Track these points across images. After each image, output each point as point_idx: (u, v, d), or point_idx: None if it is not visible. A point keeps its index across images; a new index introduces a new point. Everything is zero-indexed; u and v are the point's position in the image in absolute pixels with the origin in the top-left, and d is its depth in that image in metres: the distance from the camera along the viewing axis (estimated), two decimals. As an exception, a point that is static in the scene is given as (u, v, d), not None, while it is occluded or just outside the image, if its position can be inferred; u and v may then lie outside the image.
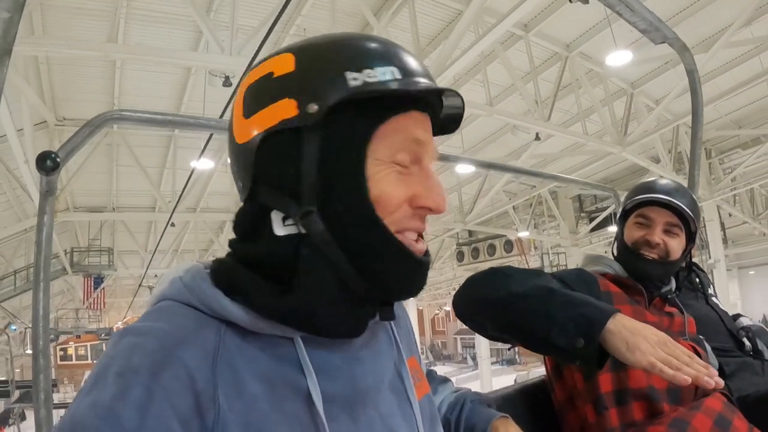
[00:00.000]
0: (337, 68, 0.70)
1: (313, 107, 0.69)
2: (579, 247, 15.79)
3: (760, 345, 2.06)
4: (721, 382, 1.12)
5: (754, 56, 8.73)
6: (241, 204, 0.78)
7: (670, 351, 1.18)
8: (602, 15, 7.83)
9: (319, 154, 0.71)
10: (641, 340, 1.19)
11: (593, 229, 15.76)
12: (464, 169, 12.55)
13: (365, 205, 0.72)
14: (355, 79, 0.69)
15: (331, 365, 0.74)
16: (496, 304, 1.44)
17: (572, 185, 15.12)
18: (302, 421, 0.69)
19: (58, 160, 1.53)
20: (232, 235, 0.80)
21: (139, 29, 7.64)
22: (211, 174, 12.07)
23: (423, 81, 0.74)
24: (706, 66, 7.64)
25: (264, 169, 0.73)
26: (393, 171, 0.74)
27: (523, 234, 15.84)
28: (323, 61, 0.72)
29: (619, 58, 7.90)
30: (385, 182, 0.73)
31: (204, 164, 10.00)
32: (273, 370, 0.69)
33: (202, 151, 8.60)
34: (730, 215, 14.88)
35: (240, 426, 0.63)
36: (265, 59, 0.78)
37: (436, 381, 1.21)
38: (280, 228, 0.73)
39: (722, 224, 15.48)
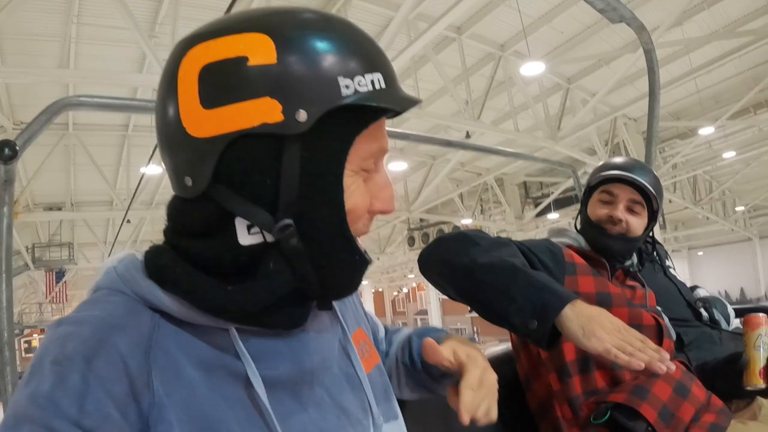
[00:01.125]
0: (328, 72, 0.65)
1: (302, 115, 0.64)
2: (524, 232, 15.96)
3: (717, 315, 2.12)
4: (673, 367, 1.15)
5: (684, 55, 9.08)
6: (182, 196, 0.71)
7: (625, 337, 1.19)
8: (538, 14, 8.15)
9: (299, 165, 0.66)
10: (597, 327, 1.20)
11: (539, 214, 16.02)
12: (398, 166, 12.79)
13: (342, 221, 0.70)
14: (347, 87, 0.65)
15: (271, 351, 0.73)
16: (459, 271, 1.43)
17: (520, 171, 15.43)
18: (245, 405, 0.68)
19: (17, 147, 1.53)
20: None
21: (89, 50, 7.74)
22: (164, 172, 12.06)
23: (402, 90, 0.73)
24: (637, 63, 7.94)
25: (231, 173, 0.66)
26: (361, 180, 0.72)
27: (467, 221, 15.96)
28: (312, 60, 0.65)
29: (532, 68, 8.22)
30: (357, 194, 0.71)
31: (153, 170, 10.18)
32: (211, 357, 0.68)
33: (151, 157, 8.68)
34: (670, 201, 15.34)
35: (179, 410, 0.63)
36: (222, 29, 0.67)
37: (391, 333, 1.17)
38: (245, 237, 0.68)
39: (661, 210, 16.03)
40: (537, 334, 1.27)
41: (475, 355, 0.91)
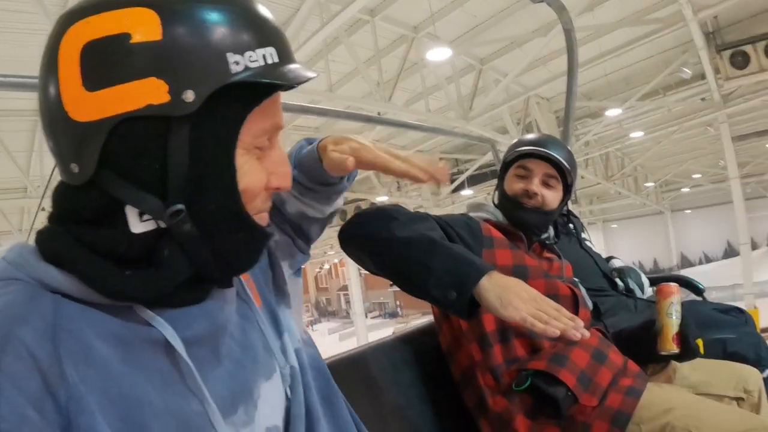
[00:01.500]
0: (217, 48, 0.62)
1: (190, 95, 0.61)
2: (441, 208, 16.08)
3: (632, 284, 2.23)
4: (587, 334, 1.20)
5: (595, 39, 9.13)
6: (68, 182, 0.67)
7: (540, 306, 1.23)
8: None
9: (188, 147, 0.64)
10: (513, 297, 1.24)
11: (454, 191, 16.14)
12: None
13: (236, 202, 0.68)
14: (236, 63, 0.63)
15: (183, 312, 0.70)
16: (379, 245, 1.45)
17: (435, 148, 15.37)
18: (163, 371, 0.66)
19: None
20: None
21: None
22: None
23: (296, 64, 0.70)
24: (549, 45, 8.09)
25: (117, 159, 0.63)
26: (254, 158, 0.70)
27: (383, 198, 15.72)
28: (200, 36, 0.62)
29: (439, 54, 8.30)
30: (251, 173, 0.69)
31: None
32: (123, 330, 0.65)
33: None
34: (582, 177, 15.69)
35: (96, 394, 0.59)
36: (105, 3, 0.62)
37: None
38: (137, 225, 0.66)
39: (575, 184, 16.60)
40: (456, 305, 1.32)
41: (352, 141, 0.94)
